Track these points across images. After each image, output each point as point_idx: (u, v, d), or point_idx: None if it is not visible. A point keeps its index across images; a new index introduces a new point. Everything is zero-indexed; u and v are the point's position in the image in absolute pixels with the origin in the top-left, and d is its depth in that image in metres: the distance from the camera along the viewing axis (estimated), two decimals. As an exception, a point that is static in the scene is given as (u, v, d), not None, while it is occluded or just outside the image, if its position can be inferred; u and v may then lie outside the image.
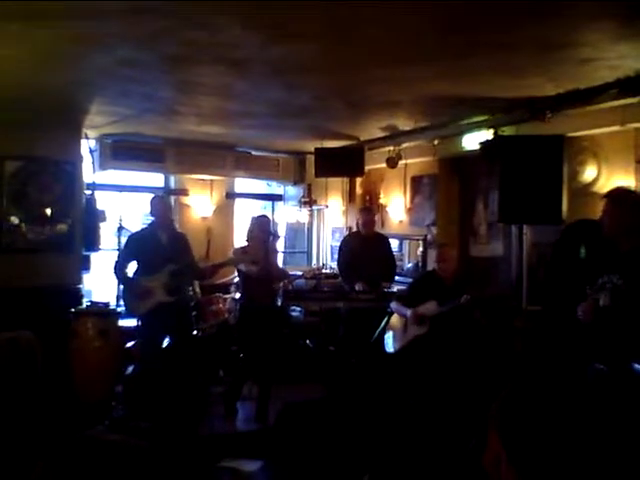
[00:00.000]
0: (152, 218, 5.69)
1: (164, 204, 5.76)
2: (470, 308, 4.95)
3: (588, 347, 3.59)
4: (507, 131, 5.96)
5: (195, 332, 6.45)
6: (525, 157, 5.16)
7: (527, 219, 5.37)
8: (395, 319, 5.48)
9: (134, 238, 5.77)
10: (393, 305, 5.52)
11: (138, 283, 5.44)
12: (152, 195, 6.09)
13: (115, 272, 5.62)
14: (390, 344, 5.48)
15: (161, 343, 5.64)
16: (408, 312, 5.25)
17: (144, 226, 6.13)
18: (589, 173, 5.54)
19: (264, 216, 6.24)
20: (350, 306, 6.09)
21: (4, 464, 2.09)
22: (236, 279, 6.77)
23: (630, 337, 3.37)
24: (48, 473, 1.36)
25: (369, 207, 7.53)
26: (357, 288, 6.23)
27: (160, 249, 5.48)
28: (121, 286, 5.78)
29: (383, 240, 6.78)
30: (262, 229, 5.67)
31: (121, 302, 6.07)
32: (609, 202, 3.68)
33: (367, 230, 6.53)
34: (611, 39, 3.81)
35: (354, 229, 7.48)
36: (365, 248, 6.40)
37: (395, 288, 6.80)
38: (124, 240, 6.10)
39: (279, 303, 5.99)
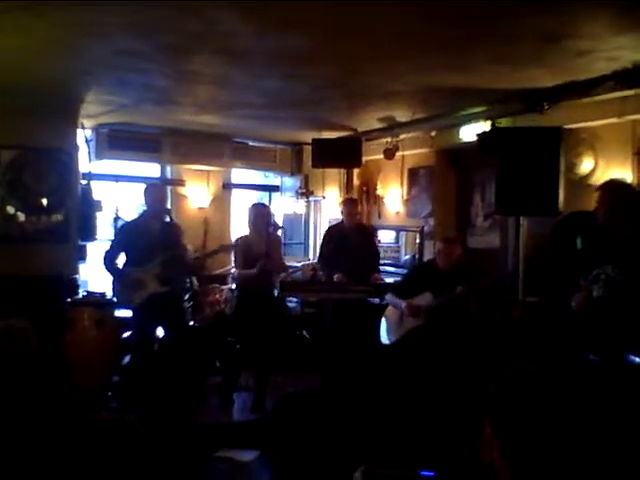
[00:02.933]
0: (145, 207, 5.63)
1: (157, 193, 5.63)
2: (466, 300, 4.95)
3: (583, 338, 3.61)
4: (504, 123, 5.95)
5: (191, 323, 6.44)
6: (522, 149, 5.16)
7: (524, 211, 5.37)
8: (390, 310, 5.48)
9: (125, 228, 5.69)
10: (388, 297, 5.51)
11: (130, 274, 5.35)
12: (146, 184, 6.02)
13: (105, 263, 5.48)
14: (385, 335, 5.48)
15: (153, 334, 5.60)
16: (403, 304, 5.25)
17: (136, 216, 6.06)
18: (586, 165, 5.54)
19: (262, 204, 6.21)
20: (340, 298, 6.03)
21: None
22: (233, 269, 6.75)
23: (624, 328, 3.39)
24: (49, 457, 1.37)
25: (352, 198, 7.31)
26: (335, 279, 6.17)
27: (151, 239, 5.37)
28: (111, 277, 5.68)
29: (366, 231, 6.70)
30: (262, 218, 5.65)
31: (112, 294, 6.02)
32: (603, 193, 3.70)
33: (350, 221, 6.42)
34: (609, 31, 3.81)
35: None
36: (348, 239, 6.30)
37: (392, 279, 6.80)
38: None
39: (275, 294, 5.97)
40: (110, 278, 5.55)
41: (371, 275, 6.16)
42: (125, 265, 5.46)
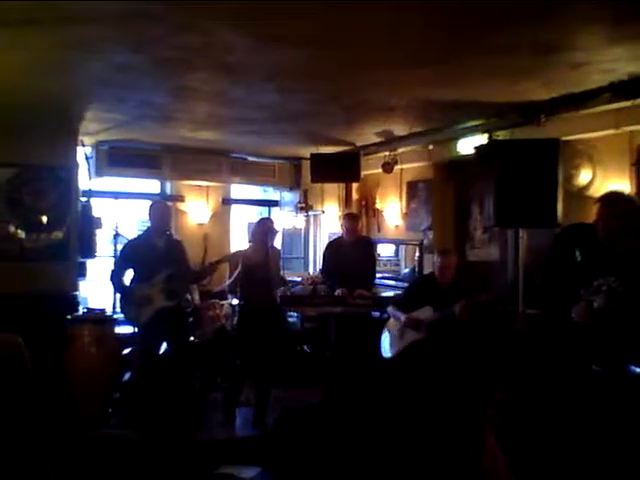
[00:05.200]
0: (148, 224, 5.66)
1: (163, 210, 5.71)
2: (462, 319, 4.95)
3: (585, 349, 3.60)
4: (502, 135, 5.97)
5: (192, 338, 6.42)
6: (520, 161, 5.17)
7: (523, 223, 5.38)
8: (392, 323, 5.47)
9: (130, 245, 5.73)
10: (389, 309, 5.51)
11: (136, 291, 5.39)
12: (151, 201, 6.07)
13: (112, 281, 5.55)
14: (387, 349, 5.47)
15: (158, 350, 5.61)
16: (402, 317, 5.25)
17: (140, 233, 6.10)
18: (584, 176, 5.56)
19: (266, 218, 6.24)
20: (345, 311, 6.02)
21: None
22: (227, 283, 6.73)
23: (626, 339, 3.38)
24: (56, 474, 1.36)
25: (354, 213, 7.34)
26: (337, 293, 6.14)
27: (156, 255, 5.43)
28: (118, 295, 5.71)
29: (366, 244, 6.70)
30: (262, 231, 5.67)
31: (118, 310, 6.00)
32: (602, 206, 3.69)
33: (350, 236, 6.42)
34: (604, 43, 3.84)
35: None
36: (348, 253, 6.30)
37: (392, 293, 6.79)
38: (120, 248, 6.06)
39: (277, 307, 5.96)
40: (117, 296, 5.58)
41: (356, 290, 6.10)
42: (131, 282, 5.48)
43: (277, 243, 6.68)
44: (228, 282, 5.83)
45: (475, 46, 3.93)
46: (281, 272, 6.41)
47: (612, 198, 3.83)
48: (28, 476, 1.94)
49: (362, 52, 4.08)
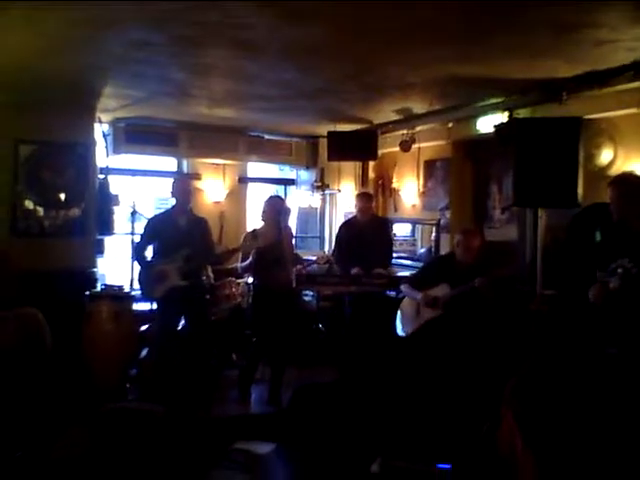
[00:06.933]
0: (173, 200, 5.70)
1: (185, 186, 5.75)
2: (483, 291, 4.91)
3: (601, 330, 3.58)
4: (522, 113, 5.89)
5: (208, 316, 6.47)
6: (541, 140, 5.11)
7: (542, 202, 5.33)
8: (406, 302, 5.46)
9: (153, 221, 5.80)
10: (403, 287, 5.47)
11: (154, 267, 5.47)
12: (170, 178, 6.11)
13: (135, 255, 5.70)
14: (401, 327, 5.47)
15: (176, 327, 5.67)
16: (419, 296, 5.23)
17: (164, 209, 6.16)
18: (605, 156, 5.48)
19: (277, 196, 6.23)
20: (356, 290, 5.98)
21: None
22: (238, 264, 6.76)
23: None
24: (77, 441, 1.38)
25: (366, 192, 7.12)
26: (352, 272, 6.07)
27: (177, 233, 5.49)
28: (139, 269, 5.80)
29: (381, 224, 6.64)
30: (274, 210, 5.66)
31: (137, 285, 6.08)
32: (614, 189, 3.67)
33: (363, 216, 6.35)
34: (628, 20, 3.75)
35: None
36: (361, 234, 6.25)
37: (408, 273, 6.77)
38: (142, 224, 6.12)
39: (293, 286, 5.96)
40: (138, 269, 5.70)
41: (374, 269, 6.07)
42: (152, 257, 5.56)
43: (291, 222, 6.66)
44: (240, 265, 5.82)
45: (496, 23, 3.86)
46: (295, 251, 6.40)
47: (624, 179, 3.81)
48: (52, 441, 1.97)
49: (381, 30, 4.03)
